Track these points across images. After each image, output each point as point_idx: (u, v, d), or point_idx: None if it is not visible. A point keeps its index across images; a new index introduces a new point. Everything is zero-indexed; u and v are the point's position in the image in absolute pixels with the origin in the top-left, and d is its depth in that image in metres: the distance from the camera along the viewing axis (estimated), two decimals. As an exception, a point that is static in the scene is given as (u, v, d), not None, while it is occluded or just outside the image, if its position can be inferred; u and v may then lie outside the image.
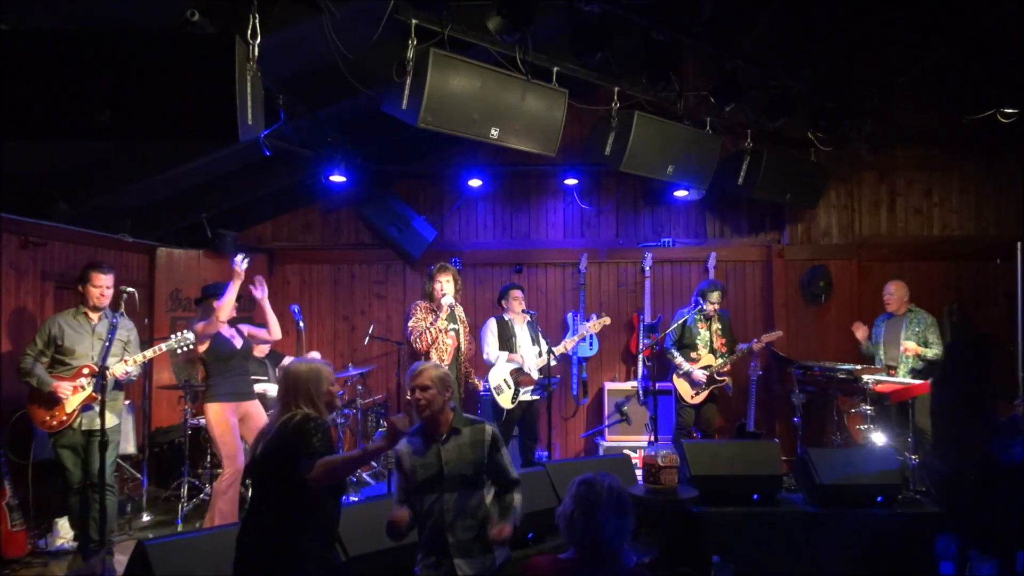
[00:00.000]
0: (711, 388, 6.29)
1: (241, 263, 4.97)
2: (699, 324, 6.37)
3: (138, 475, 5.91)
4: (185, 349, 4.92)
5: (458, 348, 5.49)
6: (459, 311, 5.60)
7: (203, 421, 5.85)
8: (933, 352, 6.08)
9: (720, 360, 6.29)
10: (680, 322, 6.39)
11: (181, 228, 6.88)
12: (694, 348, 6.35)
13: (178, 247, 6.90)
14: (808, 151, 7.04)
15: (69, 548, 4.85)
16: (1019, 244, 5.87)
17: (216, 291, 5.10)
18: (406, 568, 3.88)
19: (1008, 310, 6.43)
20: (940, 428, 6.16)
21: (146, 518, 5.62)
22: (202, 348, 4.98)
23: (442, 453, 3.12)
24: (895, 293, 6.34)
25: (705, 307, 6.27)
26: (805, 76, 6.20)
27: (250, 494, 2.92)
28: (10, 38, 3.27)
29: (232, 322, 5.17)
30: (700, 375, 6.25)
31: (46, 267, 5.53)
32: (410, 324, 5.44)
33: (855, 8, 5.92)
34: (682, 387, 6.35)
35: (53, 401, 4.45)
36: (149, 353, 4.77)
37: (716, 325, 6.40)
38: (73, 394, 4.48)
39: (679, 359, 6.33)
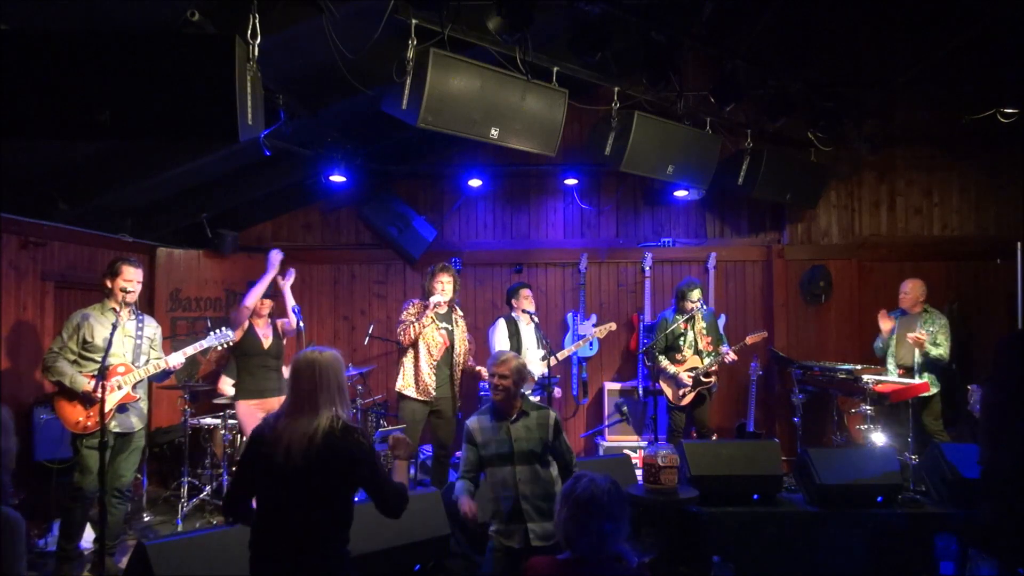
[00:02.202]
0: (698, 390, 6.14)
1: (276, 257, 5.31)
2: (682, 324, 6.17)
3: (138, 475, 5.90)
4: (225, 346, 5.00)
5: (450, 348, 5.47)
6: (458, 313, 5.61)
7: (203, 421, 5.93)
8: (937, 352, 5.89)
9: (707, 361, 6.14)
10: (662, 327, 6.22)
11: (181, 228, 6.88)
12: (678, 350, 6.18)
13: (178, 247, 6.90)
14: (808, 151, 7.05)
15: (81, 548, 4.79)
16: (1019, 244, 5.88)
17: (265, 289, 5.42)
18: (406, 568, 3.89)
19: (1008, 310, 6.43)
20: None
21: (146, 518, 5.62)
22: (236, 336, 5.19)
23: (512, 431, 3.55)
24: (910, 292, 6.15)
25: (686, 306, 6.11)
26: (805, 76, 6.20)
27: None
28: (10, 38, 3.27)
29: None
30: (685, 377, 6.10)
31: (46, 267, 5.53)
32: (401, 317, 5.47)
33: (855, 8, 5.93)
34: (668, 390, 6.22)
35: (89, 402, 4.31)
36: (190, 350, 4.74)
37: (700, 324, 6.19)
38: (109, 394, 4.33)
39: (664, 362, 6.18)
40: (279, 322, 5.60)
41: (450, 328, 5.50)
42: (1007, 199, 7.45)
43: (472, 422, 3.67)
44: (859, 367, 6.20)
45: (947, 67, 6.26)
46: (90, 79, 3.26)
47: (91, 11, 3.74)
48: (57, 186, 5.47)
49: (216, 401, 6.17)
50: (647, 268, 7.34)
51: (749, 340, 6.21)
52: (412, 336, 5.31)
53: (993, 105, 6.29)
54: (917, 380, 5.88)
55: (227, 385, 6.16)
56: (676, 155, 5.86)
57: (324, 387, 2.64)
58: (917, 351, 5.95)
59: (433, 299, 5.34)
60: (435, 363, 5.36)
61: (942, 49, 5.90)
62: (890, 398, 5.95)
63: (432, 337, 5.39)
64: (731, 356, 6.11)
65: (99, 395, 4.24)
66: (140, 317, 4.59)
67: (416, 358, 5.36)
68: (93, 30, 3.38)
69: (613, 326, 6.29)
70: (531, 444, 3.52)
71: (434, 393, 5.34)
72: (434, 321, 5.39)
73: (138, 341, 4.55)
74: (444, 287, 5.41)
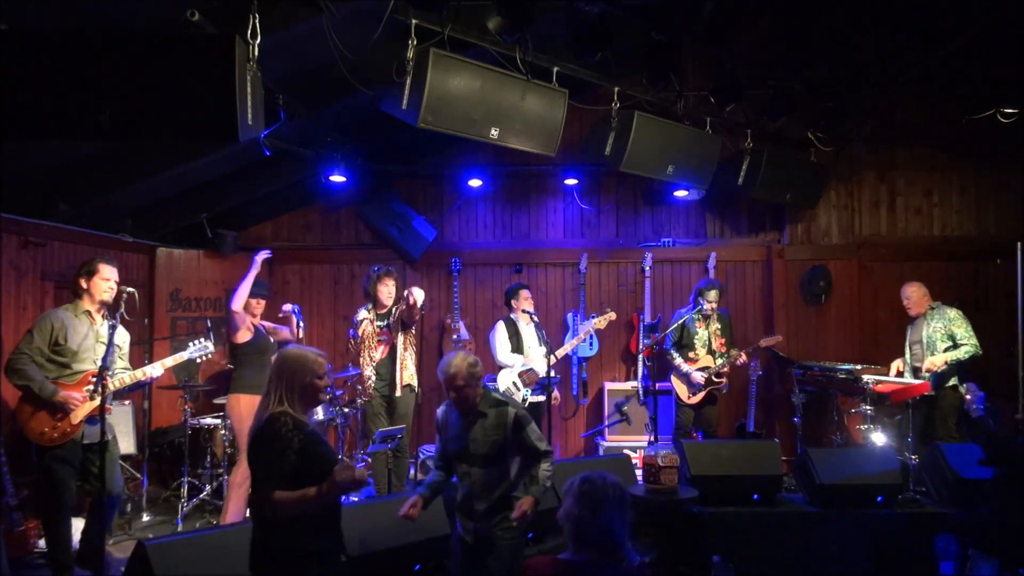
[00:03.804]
0: (709, 389, 6.21)
1: (260, 256, 5.36)
2: (697, 324, 6.26)
3: (138, 475, 5.91)
4: (204, 359, 4.86)
5: (394, 344, 5.63)
6: (398, 306, 5.67)
7: (203, 421, 5.90)
8: (965, 350, 5.71)
9: (719, 361, 6.21)
10: (679, 323, 6.30)
11: (181, 228, 6.88)
12: (692, 348, 6.26)
13: (178, 247, 6.90)
14: (808, 151, 7.05)
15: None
16: (1019, 244, 5.87)
17: (258, 290, 5.42)
18: (406, 568, 3.89)
19: (1008, 310, 6.43)
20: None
21: (146, 518, 5.62)
22: (242, 339, 5.21)
23: (469, 432, 3.41)
24: (913, 296, 6.06)
25: (704, 306, 6.17)
26: (805, 76, 6.20)
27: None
28: (10, 38, 3.26)
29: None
30: (698, 376, 6.17)
31: (46, 267, 5.53)
32: (351, 330, 5.74)
33: (855, 8, 5.93)
34: (679, 388, 6.30)
35: (59, 411, 4.09)
36: (169, 362, 4.61)
37: (715, 325, 6.30)
38: (82, 404, 4.13)
39: (678, 360, 6.27)
40: (268, 325, 5.60)
41: (391, 323, 5.64)
42: (1007, 199, 7.46)
43: (441, 411, 3.61)
44: (859, 367, 6.20)
45: (947, 67, 6.26)
46: (90, 79, 3.25)
47: (91, 11, 3.74)
48: (57, 186, 5.46)
49: (216, 401, 6.17)
50: (647, 268, 7.34)
51: (763, 343, 6.25)
52: (352, 353, 5.69)
53: (993, 105, 6.29)
54: (917, 381, 5.89)
55: None
56: (676, 155, 5.86)
57: (277, 380, 2.76)
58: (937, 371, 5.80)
59: (358, 317, 5.62)
60: (377, 363, 5.57)
61: (942, 49, 5.89)
62: (890, 398, 5.95)
63: (374, 340, 5.58)
64: (743, 358, 6.16)
65: (76, 404, 4.12)
66: (114, 321, 4.22)
67: (362, 363, 5.61)
68: (93, 30, 3.38)
69: (613, 316, 6.26)
70: (485, 447, 3.37)
71: (376, 389, 5.54)
72: (372, 324, 5.59)
73: (110, 348, 4.22)
74: (390, 291, 5.60)
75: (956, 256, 7.41)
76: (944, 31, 5.76)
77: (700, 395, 6.21)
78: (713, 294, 6.18)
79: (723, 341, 6.28)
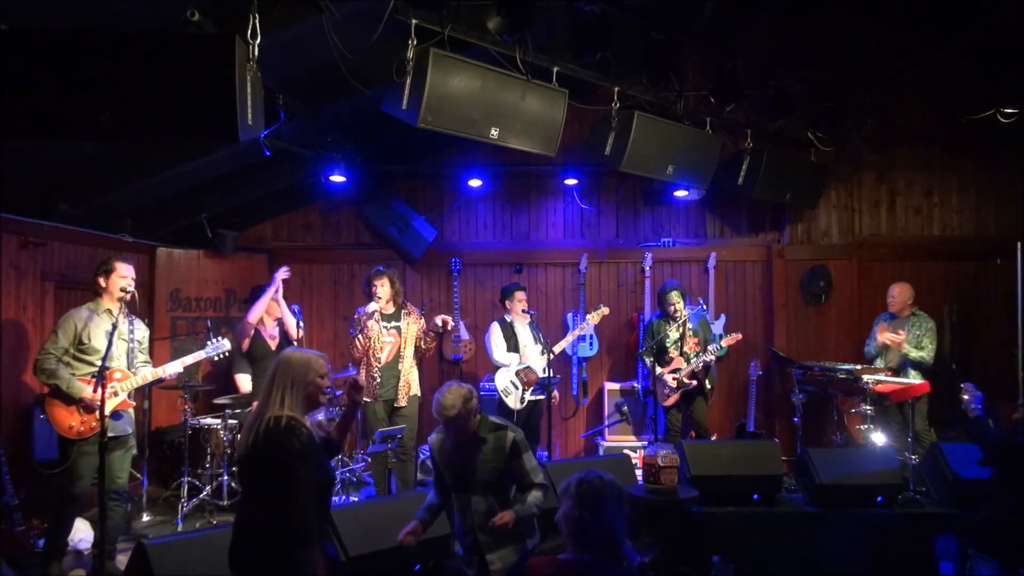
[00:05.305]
0: (680, 391, 6.14)
1: (282, 273, 5.60)
2: (667, 327, 6.21)
3: (138, 475, 5.90)
4: (221, 356, 4.99)
5: (400, 346, 5.59)
6: (407, 309, 5.69)
7: (203, 421, 5.94)
8: (917, 354, 5.99)
9: (693, 361, 6.11)
10: (648, 331, 6.33)
11: (181, 228, 6.88)
12: (666, 352, 6.22)
13: (178, 247, 6.90)
14: (808, 151, 7.05)
15: (81, 548, 4.77)
16: (1019, 244, 5.87)
17: (260, 294, 5.65)
18: (406, 568, 3.89)
19: (1008, 310, 6.43)
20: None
21: (146, 518, 5.61)
22: (245, 345, 5.43)
23: (469, 459, 3.32)
24: (898, 296, 6.26)
25: (668, 309, 6.15)
26: (805, 76, 6.20)
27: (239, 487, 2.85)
28: (10, 38, 3.26)
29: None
30: (669, 379, 6.12)
31: (46, 267, 5.52)
32: (351, 329, 5.71)
33: (856, 8, 5.93)
34: (658, 391, 6.26)
35: (86, 407, 4.24)
36: (189, 360, 4.74)
37: (688, 326, 6.21)
38: (108, 399, 4.24)
39: (647, 363, 6.26)
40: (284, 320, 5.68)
41: (398, 325, 5.61)
42: (1007, 199, 7.46)
43: (434, 439, 3.48)
44: (859, 367, 6.20)
45: (947, 67, 6.26)
46: (90, 79, 3.26)
47: (91, 11, 3.74)
48: (57, 186, 5.46)
49: (216, 401, 6.16)
50: (647, 268, 7.33)
51: (724, 342, 6.21)
52: (360, 349, 5.53)
53: (993, 105, 6.30)
54: (916, 380, 5.90)
55: (245, 383, 6.22)
56: (676, 155, 5.86)
57: (278, 383, 2.68)
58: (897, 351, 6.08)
59: (363, 310, 5.52)
60: (383, 365, 5.52)
61: (942, 49, 5.90)
62: (890, 398, 5.96)
63: (380, 340, 5.53)
64: (707, 357, 6.10)
65: (98, 398, 4.16)
66: (131, 318, 4.53)
67: (368, 363, 5.54)
68: (93, 30, 3.38)
69: (606, 310, 6.23)
70: (486, 474, 3.29)
71: (380, 392, 5.50)
72: (379, 323, 5.54)
73: (131, 344, 4.49)
74: (379, 291, 5.54)
75: (956, 256, 7.41)
76: (944, 31, 5.76)
77: (673, 397, 6.15)
78: (674, 295, 6.14)
79: (696, 341, 6.18)
